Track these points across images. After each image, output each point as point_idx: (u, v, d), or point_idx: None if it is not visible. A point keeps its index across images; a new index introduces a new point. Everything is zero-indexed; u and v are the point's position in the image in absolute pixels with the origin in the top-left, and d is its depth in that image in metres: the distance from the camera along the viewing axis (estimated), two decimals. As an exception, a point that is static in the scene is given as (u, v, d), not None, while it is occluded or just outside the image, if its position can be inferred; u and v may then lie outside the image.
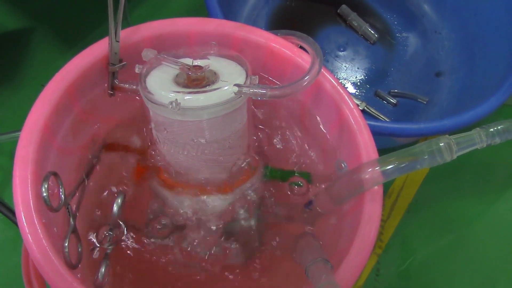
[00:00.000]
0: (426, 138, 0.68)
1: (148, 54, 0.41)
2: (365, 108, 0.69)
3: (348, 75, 0.73)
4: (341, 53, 0.74)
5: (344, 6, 0.76)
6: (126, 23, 0.71)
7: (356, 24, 0.76)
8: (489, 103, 0.58)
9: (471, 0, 0.73)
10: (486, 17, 0.71)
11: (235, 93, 0.37)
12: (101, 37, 0.40)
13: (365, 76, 0.73)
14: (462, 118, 0.57)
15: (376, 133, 0.54)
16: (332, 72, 0.72)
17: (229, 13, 0.70)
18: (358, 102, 0.69)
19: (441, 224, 0.66)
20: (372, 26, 0.76)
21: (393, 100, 0.71)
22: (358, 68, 0.73)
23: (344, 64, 0.73)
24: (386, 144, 0.65)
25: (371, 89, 0.72)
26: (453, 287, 0.62)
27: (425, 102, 0.71)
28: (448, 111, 0.69)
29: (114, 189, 0.42)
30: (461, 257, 0.64)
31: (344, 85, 0.72)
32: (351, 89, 0.71)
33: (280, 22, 0.76)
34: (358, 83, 0.72)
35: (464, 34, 0.75)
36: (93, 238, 0.39)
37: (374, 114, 0.69)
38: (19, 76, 0.66)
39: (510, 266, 0.65)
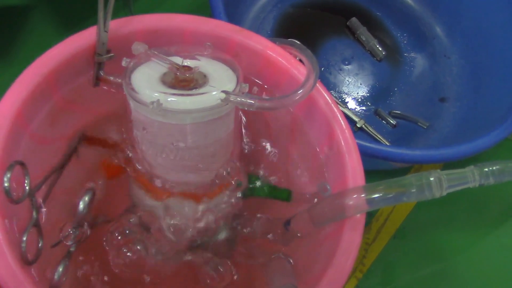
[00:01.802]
0: (421, 165, 0.67)
1: (138, 48, 0.39)
2: (363, 126, 0.67)
3: (350, 90, 0.71)
4: (345, 67, 0.72)
5: (354, 19, 0.74)
6: (130, 13, 0.70)
7: (364, 39, 0.73)
8: (490, 137, 0.56)
9: (484, 29, 0.71)
10: (497, 48, 0.69)
11: (221, 100, 0.36)
12: None
13: (367, 93, 0.71)
14: (460, 149, 0.55)
15: (369, 155, 0.53)
16: (334, 85, 0.70)
17: (235, 13, 0.68)
18: (357, 120, 0.67)
19: (427, 254, 0.64)
20: (381, 43, 0.74)
21: (392, 121, 0.69)
22: (361, 84, 0.71)
23: (347, 78, 0.71)
24: (378, 166, 0.63)
25: (372, 107, 0.70)
26: (431, 321, 0.61)
27: (425, 127, 0.69)
28: (447, 139, 0.67)
29: (84, 185, 0.40)
30: (443, 291, 0.63)
31: (345, 100, 0.70)
32: (352, 105, 0.69)
33: (287, 27, 0.74)
34: (359, 100, 0.70)
35: (474, 62, 0.73)
36: (56, 234, 0.37)
37: (371, 133, 0.67)
38: (12, 53, 0.64)
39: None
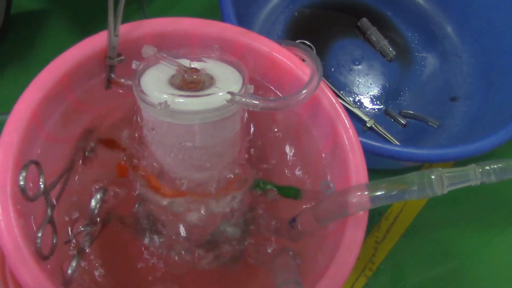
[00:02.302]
0: (431, 164, 0.67)
1: (147, 51, 0.40)
2: (373, 126, 0.67)
3: (360, 90, 0.71)
4: (355, 67, 0.73)
5: (364, 19, 0.75)
6: (143, 15, 0.71)
7: (374, 39, 0.74)
8: (498, 136, 0.57)
9: (495, 28, 0.71)
10: (508, 47, 0.69)
11: (227, 101, 0.37)
12: None
13: (378, 93, 0.71)
14: (467, 148, 0.55)
15: (378, 154, 0.54)
16: (345, 85, 0.71)
17: (246, 15, 0.69)
18: (367, 119, 0.68)
19: (436, 253, 0.65)
20: (391, 43, 0.74)
21: (402, 121, 0.69)
22: (371, 84, 0.72)
23: (357, 79, 0.72)
24: (388, 165, 0.63)
25: (382, 107, 0.70)
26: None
27: (435, 126, 0.69)
28: (457, 138, 0.67)
29: (97, 183, 0.41)
30: (452, 289, 0.63)
31: (355, 99, 0.70)
32: (362, 105, 0.70)
33: (298, 28, 0.75)
34: (369, 100, 0.71)
35: (484, 61, 0.73)
36: (69, 231, 0.39)
37: (381, 133, 0.67)
38: (29, 56, 0.66)
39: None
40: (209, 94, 0.37)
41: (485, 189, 0.69)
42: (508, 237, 0.68)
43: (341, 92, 0.70)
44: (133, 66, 0.39)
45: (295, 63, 0.43)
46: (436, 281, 0.63)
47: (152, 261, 0.43)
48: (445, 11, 0.78)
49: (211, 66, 0.40)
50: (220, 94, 0.37)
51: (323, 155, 0.43)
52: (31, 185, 0.36)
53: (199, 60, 0.40)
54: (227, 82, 0.39)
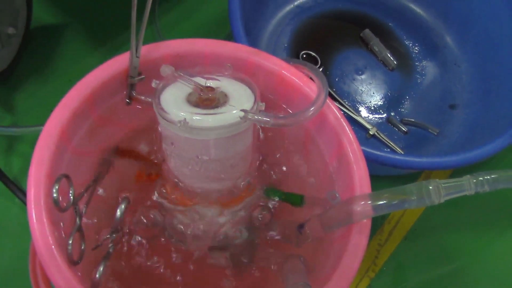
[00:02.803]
0: (431, 171, 0.70)
1: (165, 70, 0.43)
2: (376, 133, 0.70)
3: (363, 99, 0.74)
4: (358, 77, 0.76)
5: (367, 31, 0.78)
6: (156, 29, 0.74)
7: (377, 50, 0.77)
8: (496, 143, 0.60)
9: (494, 38, 0.73)
10: (506, 57, 0.71)
11: (240, 118, 0.40)
12: (127, 40, 0.43)
13: (380, 101, 0.74)
14: (466, 156, 0.58)
15: (380, 163, 0.57)
16: (348, 94, 0.74)
17: (254, 28, 0.72)
18: (370, 127, 0.71)
19: (437, 255, 0.68)
20: (393, 52, 0.78)
21: (404, 128, 0.72)
22: (373, 93, 0.75)
23: (360, 88, 0.75)
24: (390, 172, 0.66)
25: (384, 115, 0.74)
26: (441, 318, 0.64)
27: (435, 134, 0.72)
28: (457, 145, 0.70)
29: (120, 193, 0.45)
30: (453, 290, 0.66)
31: (358, 108, 0.73)
32: (364, 113, 0.73)
33: (304, 40, 0.78)
34: (372, 108, 0.74)
35: (483, 70, 0.75)
36: (96, 238, 0.42)
37: (384, 140, 0.70)
38: (48, 69, 0.69)
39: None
40: (223, 112, 0.40)
41: (485, 193, 0.72)
42: (508, 240, 0.71)
43: (345, 101, 0.73)
44: (153, 84, 0.42)
45: (303, 80, 0.46)
46: (436, 282, 0.66)
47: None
48: (445, 22, 0.81)
49: (225, 84, 0.43)
50: (234, 112, 0.40)
51: (329, 166, 0.46)
52: (60, 198, 0.39)
53: (213, 78, 0.43)
54: (240, 99, 0.42)
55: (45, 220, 0.37)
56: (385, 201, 0.39)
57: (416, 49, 0.80)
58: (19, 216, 0.61)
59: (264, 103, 0.42)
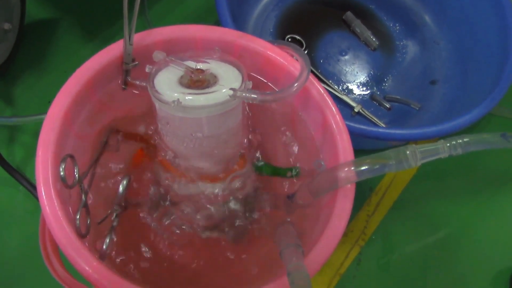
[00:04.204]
0: (416, 142, 0.74)
1: (158, 55, 0.46)
2: (360, 110, 0.74)
3: (348, 79, 0.78)
4: (342, 57, 0.79)
5: (349, 13, 0.81)
6: (146, 19, 0.77)
7: (358, 31, 0.80)
8: (472, 114, 0.63)
9: (468, 17, 0.77)
10: (480, 34, 0.75)
11: (230, 96, 0.43)
12: (119, 30, 0.45)
13: (363, 80, 0.78)
14: (444, 126, 0.62)
15: (366, 136, 0.60)
16: (333, 74, 0.77)
17: (239, 14, 0.75)
18: (355, 105, 0.74)
19: (423, 223, 0.71)
20: (375, 33, 0.81)
21: (387, 105, 0.75)
22: (357, 73, 0.78)
23: (344, 68, 0.78)
24: (376, 146, 0.70)
25: (368, 93, 0.77)
26: (428, 282, 0.68)
27: (417, 109, 0.76)
28: (438, 118, 0.74)
29: (121, 171, 0.48)
30: (439, 256, 0.69)
31: (343, 87, 0.77)
32: (349, 92, 0.76)
33: (289, 24, 0.81)
34: (356, 87, 0.77)
35: (460, 47, 0.79)
36: (100, 213, 0.46)
37: (368, 116, 0.74)
38: (44, 63, 0.72)
39: (483, 268, 0.70)
40: (214, 91, 0.43)
41: (469, 161, 0.76)
42: (492, 207, 0.75)
43: (330, 81, 0.76)
44: (147, 69, 0.45)
45: (287, 60, 0.49)
46: (423, 248, 0.70)
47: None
48: (423, 2, 0.84)
49: (214, 66, 0.46)
50: (224, 90, 0.43)
51: (315, 139, 0.50)
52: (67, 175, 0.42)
53: (204, 61, 0.46)
54: (229, 79, 0.45)
55: (53, 196, 0.40)
56: (367, 167, 0.42)
57: (396, 29, 0.83)
58: (24, 203, 0.64)
59: (251, 82, 0.45)
